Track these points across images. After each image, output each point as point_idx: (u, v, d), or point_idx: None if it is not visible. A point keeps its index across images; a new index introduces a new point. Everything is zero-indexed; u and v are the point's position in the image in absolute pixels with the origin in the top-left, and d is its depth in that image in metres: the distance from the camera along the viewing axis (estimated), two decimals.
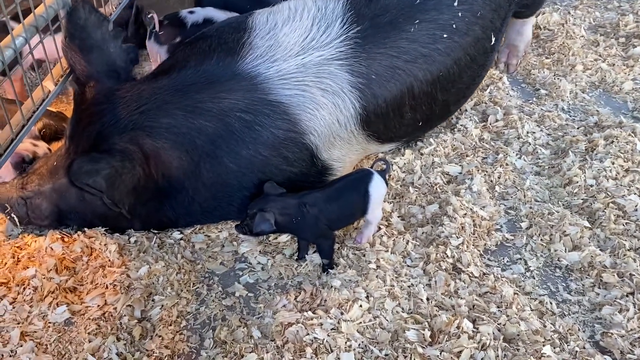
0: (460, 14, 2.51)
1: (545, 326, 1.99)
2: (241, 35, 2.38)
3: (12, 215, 2.32)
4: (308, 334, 1.96)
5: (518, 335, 1.95)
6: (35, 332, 2.00)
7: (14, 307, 2.07)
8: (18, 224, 2.35)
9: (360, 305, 2.04)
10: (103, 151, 2.11)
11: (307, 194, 2.20)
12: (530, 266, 2.26)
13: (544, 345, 1.90)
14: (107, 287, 2.14)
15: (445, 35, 2.47)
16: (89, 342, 1.95)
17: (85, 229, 2.34)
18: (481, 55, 2.66)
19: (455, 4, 2.50)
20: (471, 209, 2.40)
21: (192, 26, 3.04)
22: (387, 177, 2.32)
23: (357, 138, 2.45)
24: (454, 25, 2.49)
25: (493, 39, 2.68)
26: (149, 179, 2.19)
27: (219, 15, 3.11)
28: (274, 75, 2.27)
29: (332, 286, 2.13)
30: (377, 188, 2.22)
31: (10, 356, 1.92)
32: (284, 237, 2.37)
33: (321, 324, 1.99)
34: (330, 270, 2.20)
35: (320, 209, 2.16)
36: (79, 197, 2.26)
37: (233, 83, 2.25)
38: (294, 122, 2.26)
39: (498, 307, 2.05)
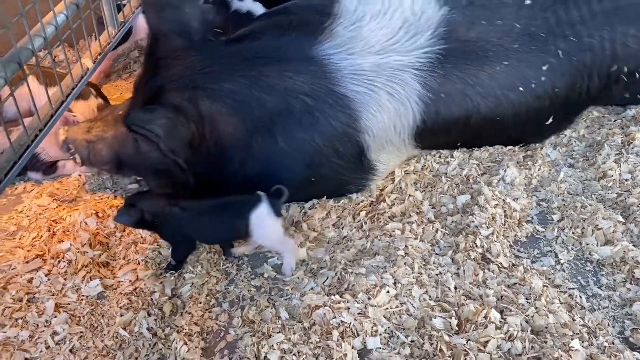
0: (543, 78, 2.48)
1: (574, 320, 1.97)
2: (324, 19, 2.35)
3: (75, 156, 2.40)
4: (335, 317, 1.98)
5: (546, 327, 1.94)
6: (69, 304, 2.06)
7: (49, 279, 2.14)
8: (80, 164, 2.44)
9: (388, 291, 2.05)
10: (159, 104, 2.13)
11: (183, 199, 2.18)
12: (560, 259, 2.23)
13: (572, 339, 1.88)
14: (139, 263, 2.19)
15: (521, 89, 2.45)
16: (121, 316, 2.00)
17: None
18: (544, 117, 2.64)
19: (544, 67, 2.47)
20: (503, 200, 2.38)
21: (233, 12, 3.04)
22: (280, 205, 2.16)
23: (406, 147, 2.48)
24: (532, 85, 2.47)
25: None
26: (202, 141, 2.19)
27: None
28: (347, 69, 2.25)
29: (359, 272, 2.14)
30: (262, 221, 2.09)
31: (45, 326, 1.98)
32: (316, 222, 2.38)
33: (348, 308, 2.00)
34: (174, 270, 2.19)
35: (188, 217, 2.12)
36: (135, 148, 2.27)
37: (303, 65, 2.24)
38: (354, 119, 2.25)
39: (527, 298, 2.04)
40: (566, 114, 2.70)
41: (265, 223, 2.10)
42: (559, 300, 2.05)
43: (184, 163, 2.20)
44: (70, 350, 1.90)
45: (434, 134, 2.46)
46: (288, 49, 2.25)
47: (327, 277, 2.15)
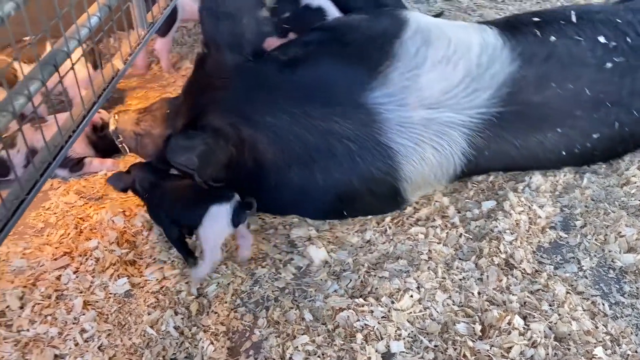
0: (588, 145, 2.45)
1: (597, 327, 1.98)
2: (382, 60, 2.23)
3: (123, 145, 2.47)
4: (358, 320, 2.00)
5: (569, 334, 1.95)
6: (97, 302, 2.10)
7: (77, 277, 2.17)
8: (128, 151, 2.51)
9: (411, 296, 2.07)
10: (201, 127, 2.14)
11: (166, 178, 2.23)
12: (583, 266, 2.23)
13: (595, 347, 1.89)
14: (165, 262, 2.22)
15: (564, 153, 2.44)
16: (148, 314, 2.03)
17: None
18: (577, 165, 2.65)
19: (595, 136, 2.42)
20: (529, 207, 2.39)
21: (304, 6, 3.05)
22: (244, 218, 2.11)
23: (442, 185, 2.48)
24: (576, 150, 2.45)
25: None
26: (240, 159, 2.20)
27: (334, 12, 3.09)
28: (395, 120, 2.18)
29: (383, 275, 2.16)
30: (216, 216, 2.07)
31: (73, 323, 2.02)
32: (343, 228, 2.40)
33: (372, 311, 2.02)
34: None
35: (162, 195, 2.17)
36: None
37: (351, 111, 2.17)
38: (394, 169, 2.22)
39: (550, 305, 2.05)
40: (599, 161, 2.67)
41: (217, 220, 2.07)
42: (582, 308, 2.06)
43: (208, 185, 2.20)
44: (99, 348, 1.93)
45: (469, 175, 2.50)
46: (338, 91, 2.19)
47: (351, 280, 2.17)
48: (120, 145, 2.49)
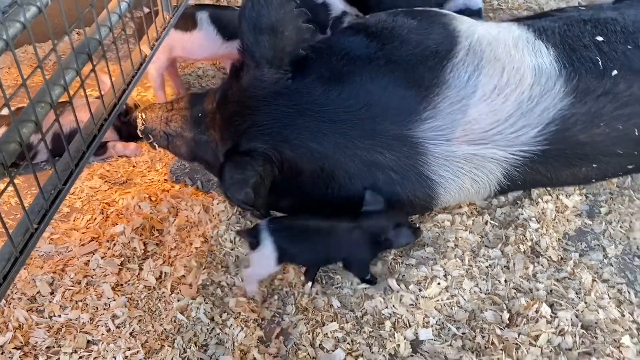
0: (620, 173, 2.37)
1: (623, 315, 2.00)
2: (431, 85, 2.09)
3: (154, 144, 2.41)
4: (387, 308, 2.02)
5: (596, 323, 1.96)
6: (126, 287, 2.10)
7: (105, 262, 2.17)
8: (157, 148, 2.44)
9: (439, 283, 2.08)
10: (246, 152, 2.07)
11: None
12: (608, 253, 2.24)
13: (622, 335, 1.91)
14: (193, 248, 2.22)
15: (594, 180, 2.35)
16: (178, 300, 2.04)
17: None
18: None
19: (630, 167, 2.29)
20: (557, 196, 2.39)
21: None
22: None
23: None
24: (607, 177, 2.40)
25: None
26: (278, 174, 2.12)
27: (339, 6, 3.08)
28: (439, 154, 2.10)
29: (409, 262, 2.17)
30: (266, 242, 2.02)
31: (104, 309, 2.03)
32: None
33: (400, 299, 2.04)
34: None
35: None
36: (213, 155, 2.27)
37: (396, 144, 2.08)
38: (432, 197, 2.18)
39: (576, 293, 2.06)
40: None
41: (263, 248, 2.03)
42: (608, 296, 2.07)
43: (265, 214, 2.17)
44: (131, 334, 1.95)
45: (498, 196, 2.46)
46: (386, 120, 2.07)
47: (378, 267, 2.18)
48: (149, 142, 2.42)
